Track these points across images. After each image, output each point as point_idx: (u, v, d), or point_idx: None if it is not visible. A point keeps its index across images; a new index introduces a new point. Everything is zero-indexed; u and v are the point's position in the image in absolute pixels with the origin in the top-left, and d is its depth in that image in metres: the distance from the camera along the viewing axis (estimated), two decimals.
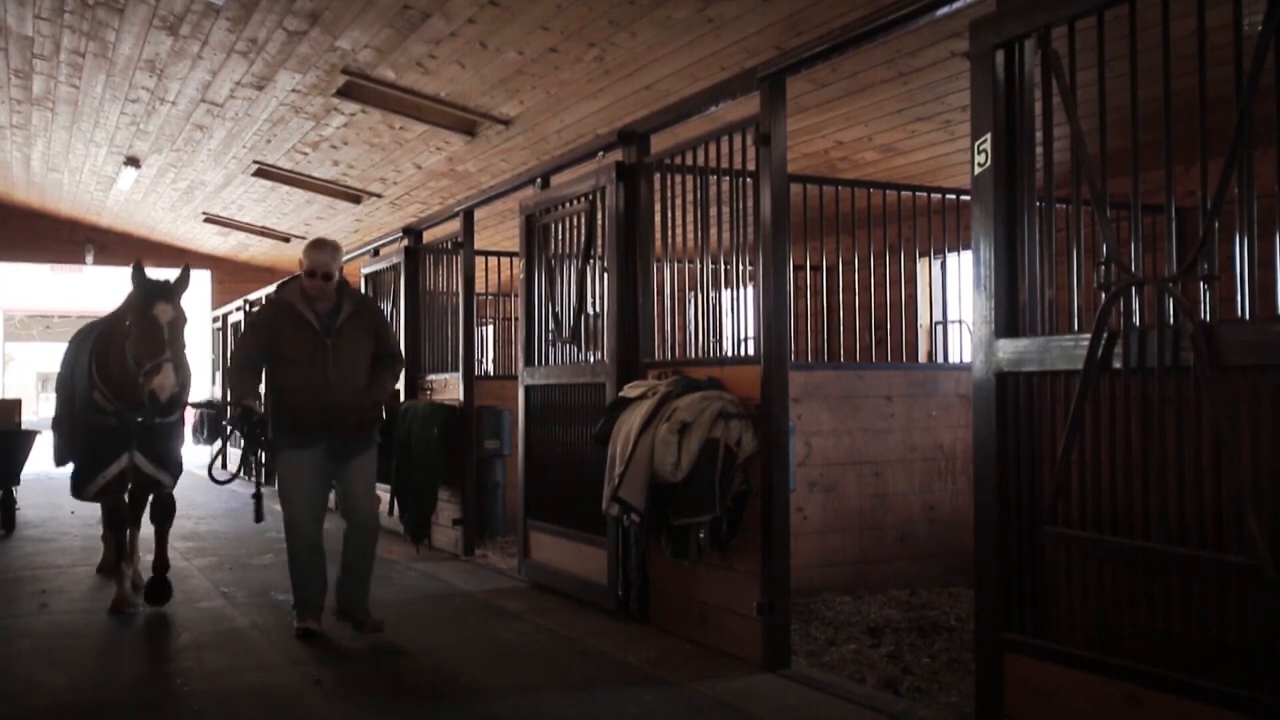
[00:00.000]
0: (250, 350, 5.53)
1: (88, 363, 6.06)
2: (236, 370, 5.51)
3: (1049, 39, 3.58)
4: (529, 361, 7.09)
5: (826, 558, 6.30)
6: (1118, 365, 3.31)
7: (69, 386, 6.41)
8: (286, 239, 15.32)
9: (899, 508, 6.57)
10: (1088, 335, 3.37)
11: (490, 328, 14.08)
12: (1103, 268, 3.43)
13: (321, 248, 5.47)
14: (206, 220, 15.15)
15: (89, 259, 17.26)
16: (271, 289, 14.17)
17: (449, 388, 8.68)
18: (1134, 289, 3.34)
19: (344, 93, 8.60)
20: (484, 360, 13.74)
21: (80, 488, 6.05)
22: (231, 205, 13.99)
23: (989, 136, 3.74)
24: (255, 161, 11.42)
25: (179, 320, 5.75)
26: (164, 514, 6.28)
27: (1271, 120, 3.01)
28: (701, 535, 4.99)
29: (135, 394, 5.69)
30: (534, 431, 6.99)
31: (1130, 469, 3.30)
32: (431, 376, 9.12)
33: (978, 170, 3.80)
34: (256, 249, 16.88)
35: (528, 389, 7.06)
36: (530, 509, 6.99)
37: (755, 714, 4.16)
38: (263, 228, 15.00)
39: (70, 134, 11.37)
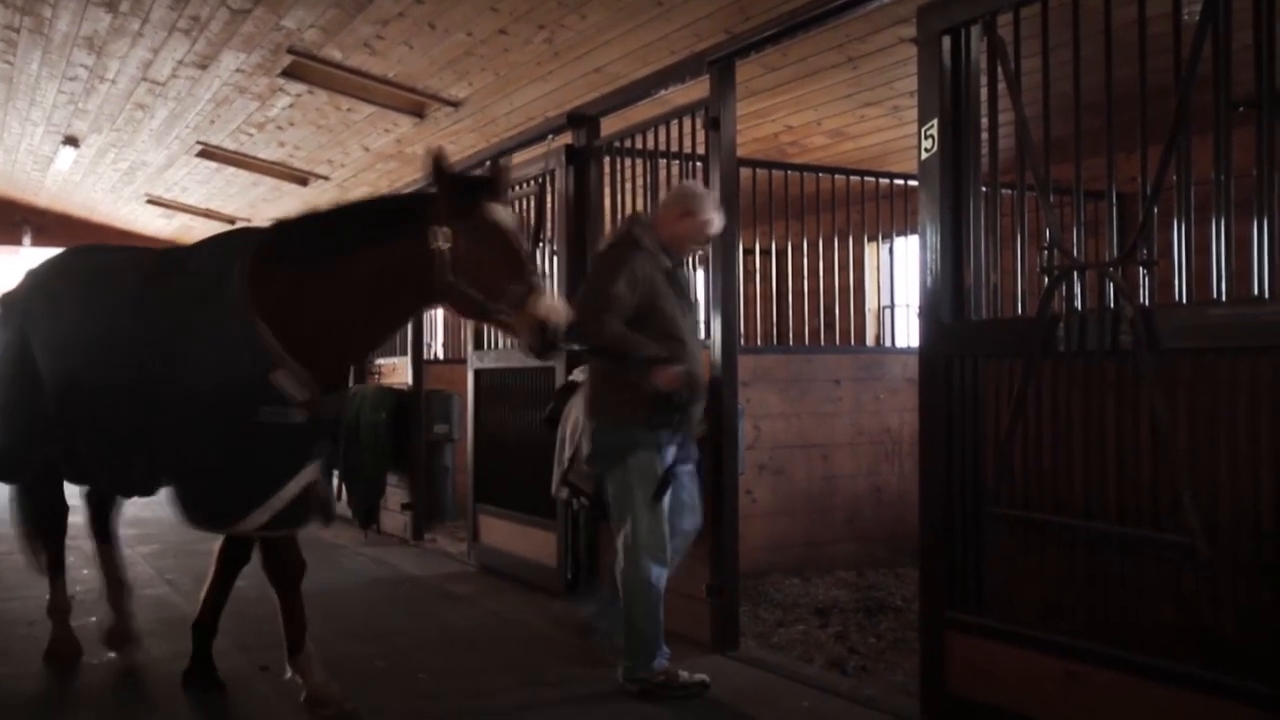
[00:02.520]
0: (623, 304, 4.18)
1: (244, 323, 3.77)
2: (615, 322, 4.14)
3: (994, 25, 3.62)
4: (478, 345, 7.06)
5: (775, 540, 6.35)
6: (1060, 348, 3.37)
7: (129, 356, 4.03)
8: (232, 221, 15.07)
9: (847, 490, 6.64)
10: (1031, 319, 3.42)
11: (439, 311, 13.95)
12: (1046, 253, 3.48)
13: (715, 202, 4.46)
14: (149, 202, 14.86)
15: (26, 240, 16.87)
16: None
17: (398, 372, 8.62)
18: (1076, 274, 3.39)
19: (290, 73, 8.45)
20: (433, 344, 13.64)
21: (237, 515, 3.89)
22: (175, 187, 13.74)
23: (935, 122, 3.78)
24: (199, 142, 11.21)
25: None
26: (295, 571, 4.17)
27: (1209, 109, 3.06)
28: None
29: (340, 371, 4.03)
30: (483, 416, 6.97)
31: (1071, 450, 3.36)
32: (380, 360, 9.05)
33: (924, 155, 3.83)
34: (201, 231, 16.54)
35: (477, 373, 7.03)
36: (480, 493, 6.97)
37: (708, 695, 4.19)
38: (207, 210, 14.75)
39: (4, 112, 11.08)
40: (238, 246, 4.01)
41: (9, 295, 4.72)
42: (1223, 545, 2.93)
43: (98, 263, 4.47)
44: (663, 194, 5.06)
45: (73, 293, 4.31)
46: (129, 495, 4.48)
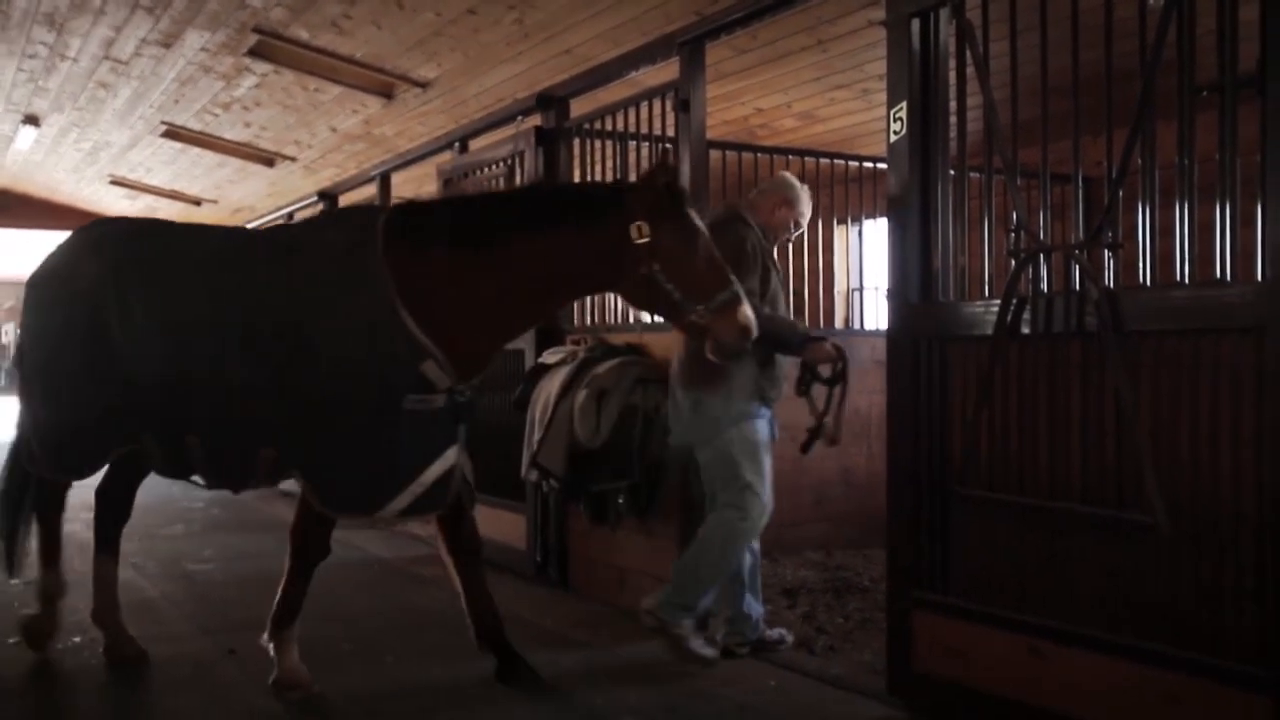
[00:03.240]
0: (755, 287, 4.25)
1: (391, 312, 3.73)
2: (763, 307, 4.21)
3: (963, 8, 3.63)
4: None
5: None
6: (1026, 330, 3.40)
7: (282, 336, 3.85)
8: (198, 202, 14.92)
9: (815, 472, 6.66)
10: (998, 301, 3.45)
11: None
12: (1013, 235, 3.51)
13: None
14: (113, 183, 14.67)
15: None
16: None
17: None
18: (1042, 256, 3.42)
19: (256, 52, 8.36)
20: None
21: (380, 503, 3.90)
22: (139, 167, 13.57)
23: (904, 105, 3.79)
24: (164, 122, 11.07)
25: None
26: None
27: (1173, 93, 3.09)
28: (620, 500, 5.03)
29: (489, 353, 4.05)
30: None
31: (1037, 431, 3.39)
32: None
33: (893, 138, 3.85)
34: (166, 212, 16.35)
35: None
36: None
37: (673, 677, 4.21)
38: (173, 191, 14.58)
39: None
40: (361, 228, 3.95)
41: (49, 277, 4.32)
42: (1184, 524, 2.97)
43: (186, 245, 4.21)
44: (632, 176, 5.05)
45: (167, 277, 4.04)
46: (240, 488, 4.25)
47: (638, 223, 3.72)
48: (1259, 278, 2.84)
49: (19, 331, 4.47)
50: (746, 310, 3.73)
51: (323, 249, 3.98)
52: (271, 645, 4.06)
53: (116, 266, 4.07)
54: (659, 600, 4.28)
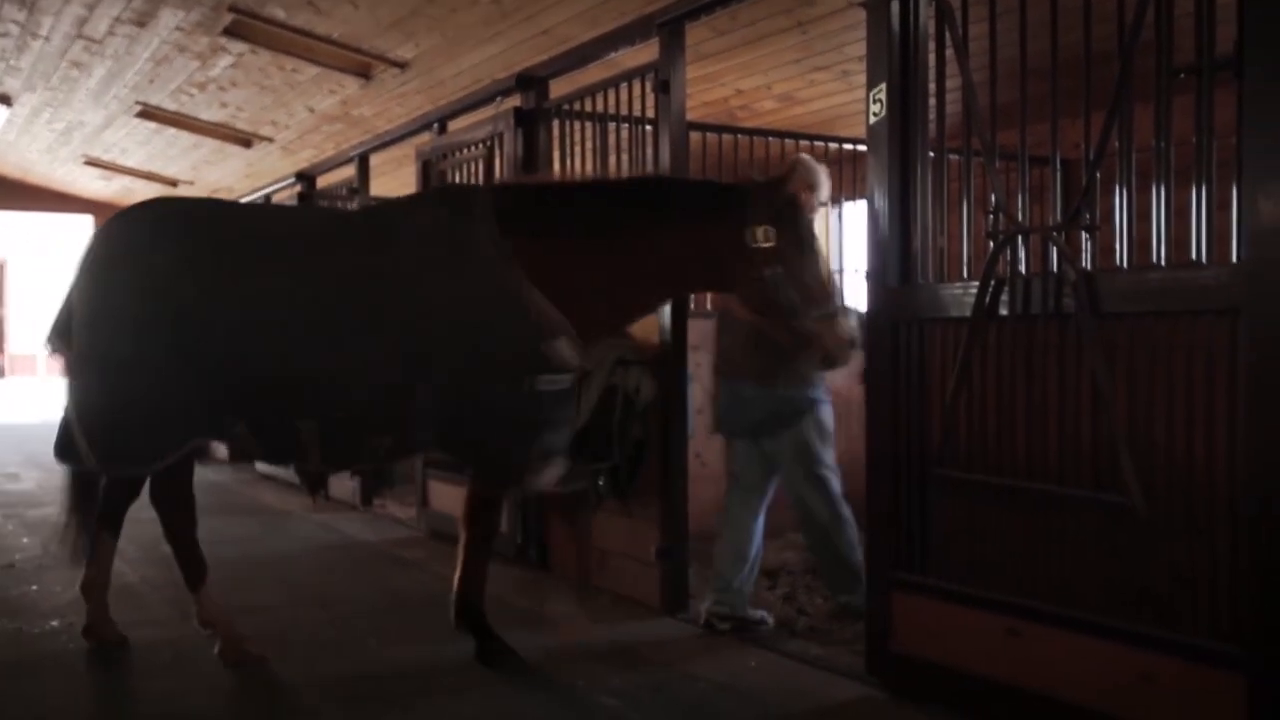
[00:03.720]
0: None
1: (522, 291, 3.82)
2: None
3: None
4: None
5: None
6: (1004, 312, 3.41)
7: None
8: (174, 183, 14.79)
9: None
10: (976, 283, 3.46)
11: None
12: (991, 217, 3.52)
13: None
14: (87, 163, 14.52)
15: None
16: None
17: None
18: (1020, 238, 3.43)
19: (231, 31, 8.27)
20: None
21: (533, 473, 4.02)
22: (114, 148, 13.43)
23: (884, 86, 3.79)
24: (138, 102, 10.95)
25: None
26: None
27: (1150, 75, 3.10)
28: (601, 482, 5.03)
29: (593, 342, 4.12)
30: None
31: (1014, 412, 3.41)
32: None
33: (873, 120, 3.84)
34: (142, 193, 16.20)
35: None
36: (428, 458, 6.93)
37: (653, 657, 4.23)
38: (148, 172, 14.45)
39: None
40: (468, 211, 3.97)
41: (109, 261, 4.03)
42: (1159, 505, 3.00)
43: (266, 228, 4.13)
44: (612, 158, 5.04)
45: (258, 261, 3.93)
46: (347, 469, 4.31)
47: (763, 226, 3.82)
48: (1234, 260, 2.86)
49: (70, 317, 4.07)
50: (848, 322, 3.90)
51: (431, 231, 3.97)
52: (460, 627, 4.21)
53: (195, 251, 3.93)
54: (845, 602, 4.61)
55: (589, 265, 3.90)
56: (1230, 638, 2.86)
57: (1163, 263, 3.09)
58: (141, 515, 4.38)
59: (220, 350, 3.84)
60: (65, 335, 4.10)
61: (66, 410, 4.07)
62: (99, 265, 4.05)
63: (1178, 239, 3.08)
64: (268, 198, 10.25)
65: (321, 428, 3.90)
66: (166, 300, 3.86)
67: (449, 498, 6.69)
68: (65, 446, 4.09)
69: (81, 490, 4.31)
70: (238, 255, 3.94)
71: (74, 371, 4.05)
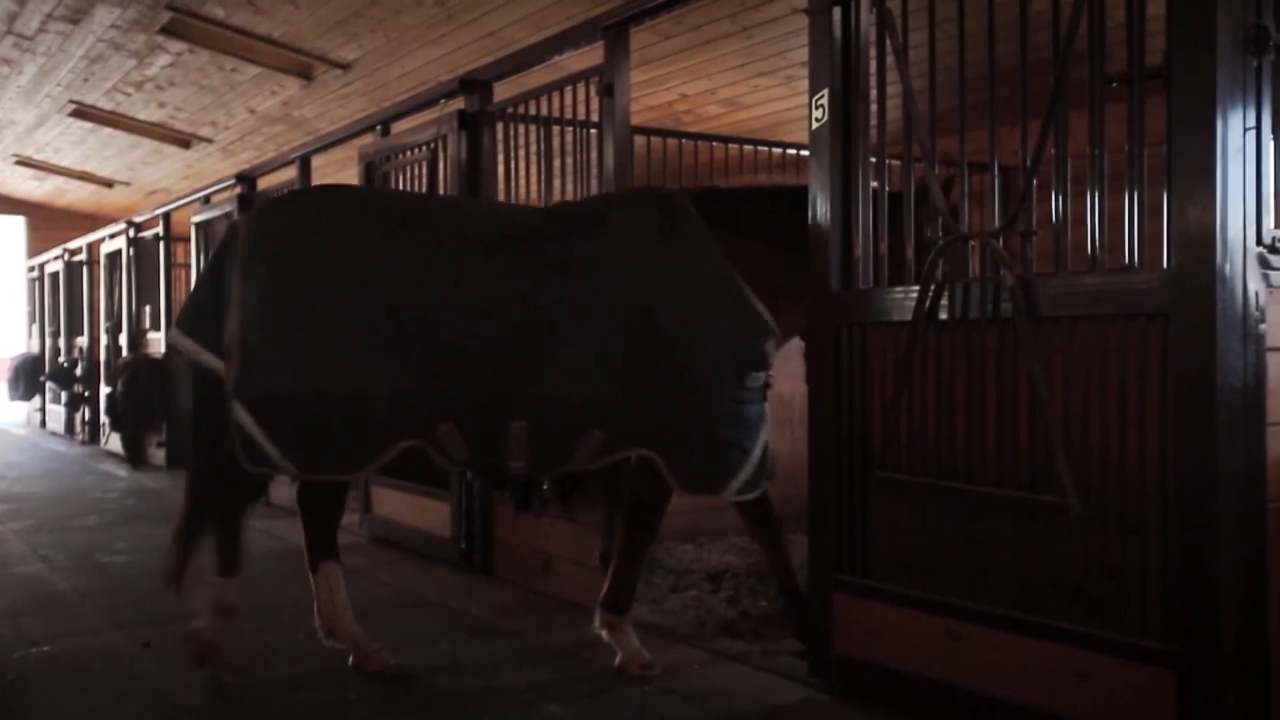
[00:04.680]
0: None
1: (739, 291, 3.89)
2: None
3: None
4: None
5: (669, 506, 6.38)
6: (944, 316, 3.45)
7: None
8: (110, 184, 14.52)
9: None
10: (917, 288, 3.50)
11: None
12: (931, 223, 3.56)
13: None
14: (19, 163, 14.20)
15: None
16: (105, 234, 13.43)
17: None
18: (960, 244, 3.48)
19: (169, 30, 8.14)
20: None
21: (728, 476, 3.92)
22: (46, 147, 13.15)
23: (826, 93, 3.82)
24: (72, 101, 10.74)
25: None
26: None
27: (1084, 85, 3.16)
28: (545, 487, 5.01)
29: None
30: None
31: (954, 415, 3.46)
32: None
33: (815, 126, 3.87)
34: (76, 194, 15.93)
35: None
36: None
37: (598, 661, 4.22)
38: (83, 172, 14.16)
39: None
40: (671, 212, 3.99)
41: (285, 253, 3.73)
42: (1093, 505, 3.05)
43: (459, 224, 3.92)
44: (557, 161, 5.02)
45: (459, 258, 3.76)
46: (555, 473, 4.23)
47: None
48: (1165, 265, 2.92)
49: (215, 314, 3.74)
50: None
51: (646, 228, 3.93)
52: (604, 631, 4.14)
53: (395, 240, 3.75)
54: None
55: (789, 270, 3.97)
56: (1161, 635, 2.92)
57: (1097, 268, 3.14)
58: (73, 524, 4.29)
59: (434, 345, 3.66)
60: (206, 333, 3.77)
61: (240, 413, 3.64)
62: (275, 256, 3.72)
63: (1112, 244, 3.14)
64: (207, 199, 10.09)
65: (531, 428, 3.73)
66: (374, 292, 3.66)
67: (393, 504, 6.64)
68: (253, 452, 3.67)
69: (206, 495, 4.02)
70: (440, 247, 3.78)
71: (249, 370, 3.63)
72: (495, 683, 4.01)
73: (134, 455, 11.14)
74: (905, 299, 3.57)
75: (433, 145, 6.21)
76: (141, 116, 11.00)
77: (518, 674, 4.09)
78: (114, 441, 11.79)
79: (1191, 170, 2.82)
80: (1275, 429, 2.93)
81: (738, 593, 5.23)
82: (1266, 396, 2.89)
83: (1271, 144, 2.97)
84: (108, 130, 11.64)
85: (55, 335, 14.75)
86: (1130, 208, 3.03)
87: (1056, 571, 3.17)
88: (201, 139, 11.39)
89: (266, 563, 6.19)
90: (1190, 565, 2.84)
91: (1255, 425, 2.88)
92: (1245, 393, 2.84)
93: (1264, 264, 2.90)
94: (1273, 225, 2.97)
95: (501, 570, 5.67)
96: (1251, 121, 2.86)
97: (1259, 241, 2.89)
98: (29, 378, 15.55)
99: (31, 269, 16.22)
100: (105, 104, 10.70)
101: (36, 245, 16.84)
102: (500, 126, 5.90)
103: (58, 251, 14.40)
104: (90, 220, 16.83)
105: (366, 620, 4.74)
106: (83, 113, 11.08)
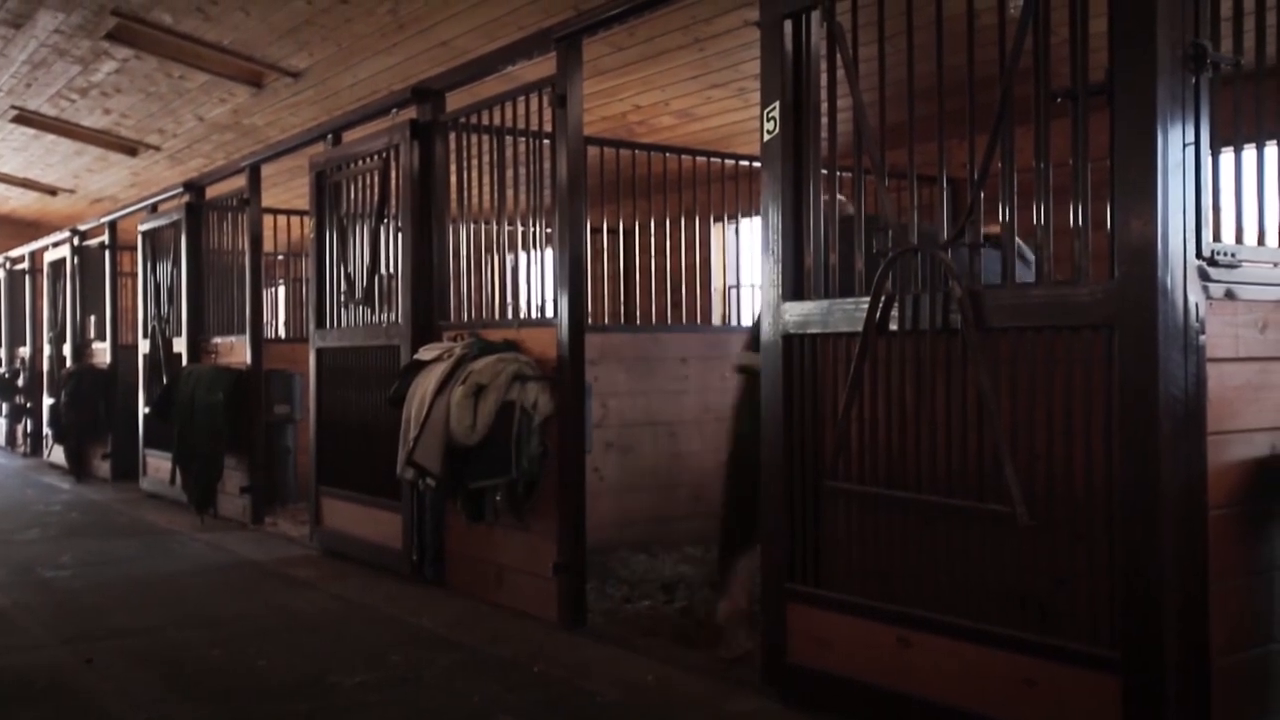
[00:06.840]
0: None
1: None
2: None
3: (833, 11, 3.71)
4: (320, 324, 6.87)
5: (623, 517, 6.40)
6: (894, 327, 3.49)
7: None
8: (53, 192, 14.25)
9: (693, 467, 6.73)
10: (867, 299, 3.54)
11: (281, 289, 13.54)
12: (881, 235, 3.60)
13: None
14: None
15: None
16: (48, 243, 13.20)
17: (235, 351, 8.32)
18: (909, 255, 3.51)
19: (115, 36, 8.02)
20: (274, 323, 13.20)
21: None
22: None
23: (777, 105, 3.85)
24: (14, 107, 10.53)
25: None
26: None
27: (1030, 100, 3.21)
28: (498, 498, 5.00)
29: None
30: (326, 395, 6.80)
31: (904, 425, 3.49)
32: (216, 339, 8.71)
33: (767, 138, 3.90)
34: (18, 202, 15.61)
35: (319, 352, 6.85)
36: (322, 475, 6.80)
37: (552, 672, 4.20)
38: (25, 179, 13.89)
39: None
40: None
41: None
42: (1040, 513, 3.09)
43: None
44: (510, 171, 5.01)
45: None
46: None
47: None
48: (1110, 277, 2.98)
49: None
50: None
51: None
52: None
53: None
54: None
55: None
56: (1107, 642, 2.96)
57: (1043, 280, 3.19)
58: (15, 538, 4.21)
59: None
60: None
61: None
62: None
63: (1058, 256, 3.19)
64: (154, 207, 9.95)
65: None
66: None
67: (344, 515, 6.57)
68: None
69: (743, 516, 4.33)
70: None
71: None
72: (448, 695, 3.98)
73: (77, 468, 11.07)
74: (856, 310, 3.60)
75: (385, 154, 6.18)
76: (87, 123, 10.82)
77: (470, 685, 4.06)
78: (57, 454, 11.60)
79: (1133, 184, 2.88)
80: (1215, 438, 2.99)
81: (692, 602, 5.24)
82: (1207, 406, 2.95)
83: (1210, 159, 3.03)
84: (51, 137, 11.44)
85: None
86: (1075, 220, 3.09)
87: (1006, 579, 3.21)
88: (149, 146, 11.23)
89: (217, 575, 6.11)
90: (1133, 572, 2.89)
91: (1196, 434, 2.94)
92: (1186, 402, 2.90)
93: (1203, 276, 2.96)
94: (1212, 238, 3.03)
95: (453, 581, 5.63)
96: (1191, 137, 2.93)
97: (1199, 254, 2.95)
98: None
99: None
100: (49, 110, 10.51)
101: None
102: (453, 136, 5.88)
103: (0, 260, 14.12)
104: (33, 228, 16.51)
105: (313, 634, 4.69)
106: (25, 119, 10.87)
